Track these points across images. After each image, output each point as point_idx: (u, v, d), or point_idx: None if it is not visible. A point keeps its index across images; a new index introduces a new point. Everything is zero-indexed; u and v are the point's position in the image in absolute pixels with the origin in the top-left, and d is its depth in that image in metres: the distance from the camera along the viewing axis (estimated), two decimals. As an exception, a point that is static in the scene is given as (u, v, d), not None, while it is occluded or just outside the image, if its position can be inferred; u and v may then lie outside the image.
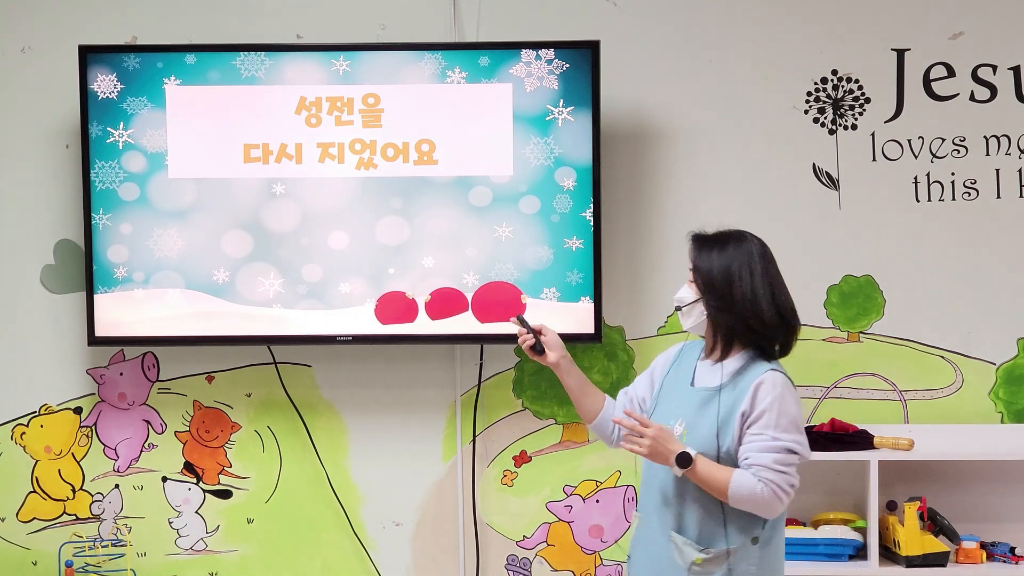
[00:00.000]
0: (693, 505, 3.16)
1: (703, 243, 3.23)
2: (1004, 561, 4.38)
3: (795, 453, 3.10)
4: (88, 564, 4.64)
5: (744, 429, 3.12)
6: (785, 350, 3.22)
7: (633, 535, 3.34)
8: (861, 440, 4.37)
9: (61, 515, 4.70)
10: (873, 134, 4.62)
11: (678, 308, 3.27)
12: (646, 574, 3.25)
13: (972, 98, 4.61)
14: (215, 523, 4.70)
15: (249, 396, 4.70)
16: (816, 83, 4.61)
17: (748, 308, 3.14)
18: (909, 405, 4.62)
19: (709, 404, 3.18)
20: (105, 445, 4.69)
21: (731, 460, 3.13)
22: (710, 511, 3.15)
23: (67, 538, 4.66)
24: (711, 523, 3.15)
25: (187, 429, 4.70)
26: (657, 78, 4.62)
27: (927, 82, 4.61)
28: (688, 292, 3.24)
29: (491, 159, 4.43)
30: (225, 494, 4.70)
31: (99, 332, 4.49)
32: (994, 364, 4.63)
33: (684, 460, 3.10)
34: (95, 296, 4.48)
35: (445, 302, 4.49)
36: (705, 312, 3.20)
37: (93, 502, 4.69)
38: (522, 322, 3.42)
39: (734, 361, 3.19)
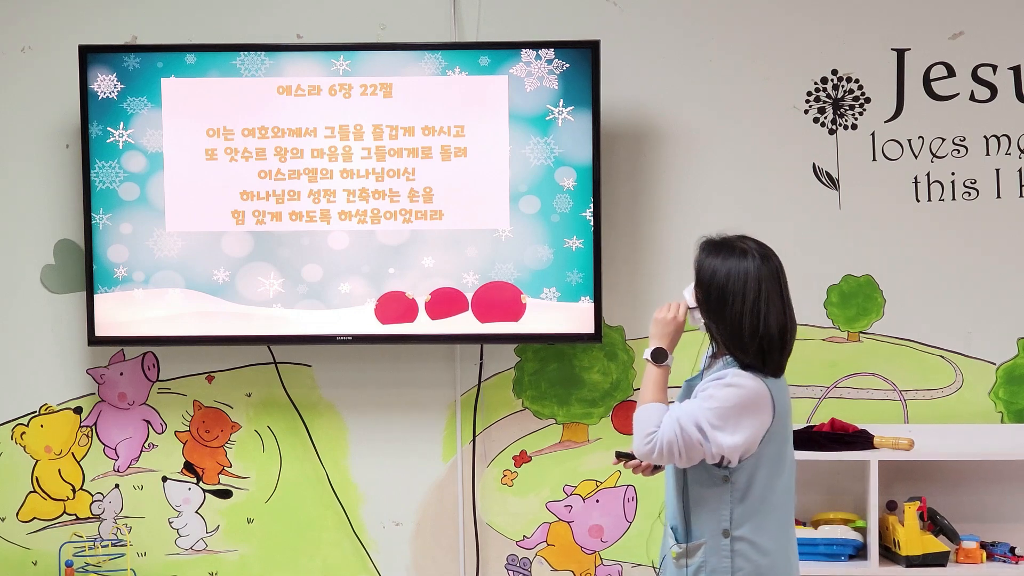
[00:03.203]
0: (675, 501, 3.24)
1: (708, 252, 3.19)
2: (1004, 561, 4.37)
3: (702, 432, 3.08)
4: (88, 564, 4.64)
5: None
6: (772, 371, 3.15)
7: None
8: (861, 440, 4.37)
9: (61, 515, 4.69)
10: (873, 134, 4.62)
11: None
12: (663, 565, 3.36)
13: (972, 98, 4.61)
14: (215, 523, 4.70)
15: (249, 396, 4.70)
16: (816, 83, 4.61)
17: (729, 331, 3.13)
18: (909, 405, 4.62)
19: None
20: (105, 445, 4.69)
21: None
22: (684, 506, 3.21)
23: (67, 538, 4.66)
24: (687, 517, 3.20)
25: (187, 429, 4.70)
26: (657, 78, 4.62)
27: (927, 82, 4.61)
28: (691, 295, 3.26)
29: (490, 154, 4.45)
30: (225, 494, 4.70)
31: (99, 332, 4.49)
32: (994, 364, 4.63)
33: (658, 355, 3.22)
34: (95, 296, 4.48)
35: (445, 302, 4.48)
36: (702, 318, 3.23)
37: (93, 502, 4.69)
38: (626, 456, 3.35)
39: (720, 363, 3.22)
